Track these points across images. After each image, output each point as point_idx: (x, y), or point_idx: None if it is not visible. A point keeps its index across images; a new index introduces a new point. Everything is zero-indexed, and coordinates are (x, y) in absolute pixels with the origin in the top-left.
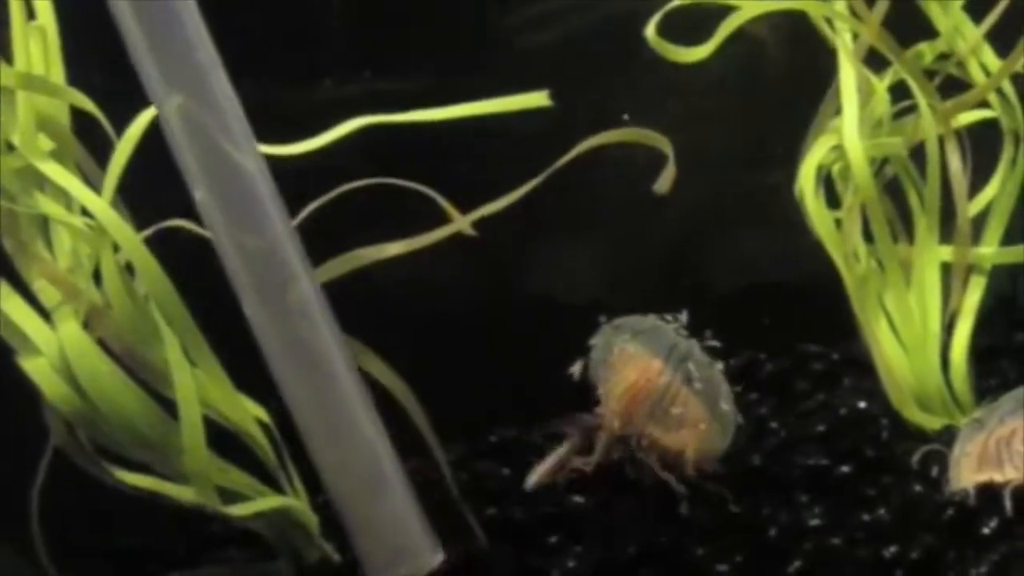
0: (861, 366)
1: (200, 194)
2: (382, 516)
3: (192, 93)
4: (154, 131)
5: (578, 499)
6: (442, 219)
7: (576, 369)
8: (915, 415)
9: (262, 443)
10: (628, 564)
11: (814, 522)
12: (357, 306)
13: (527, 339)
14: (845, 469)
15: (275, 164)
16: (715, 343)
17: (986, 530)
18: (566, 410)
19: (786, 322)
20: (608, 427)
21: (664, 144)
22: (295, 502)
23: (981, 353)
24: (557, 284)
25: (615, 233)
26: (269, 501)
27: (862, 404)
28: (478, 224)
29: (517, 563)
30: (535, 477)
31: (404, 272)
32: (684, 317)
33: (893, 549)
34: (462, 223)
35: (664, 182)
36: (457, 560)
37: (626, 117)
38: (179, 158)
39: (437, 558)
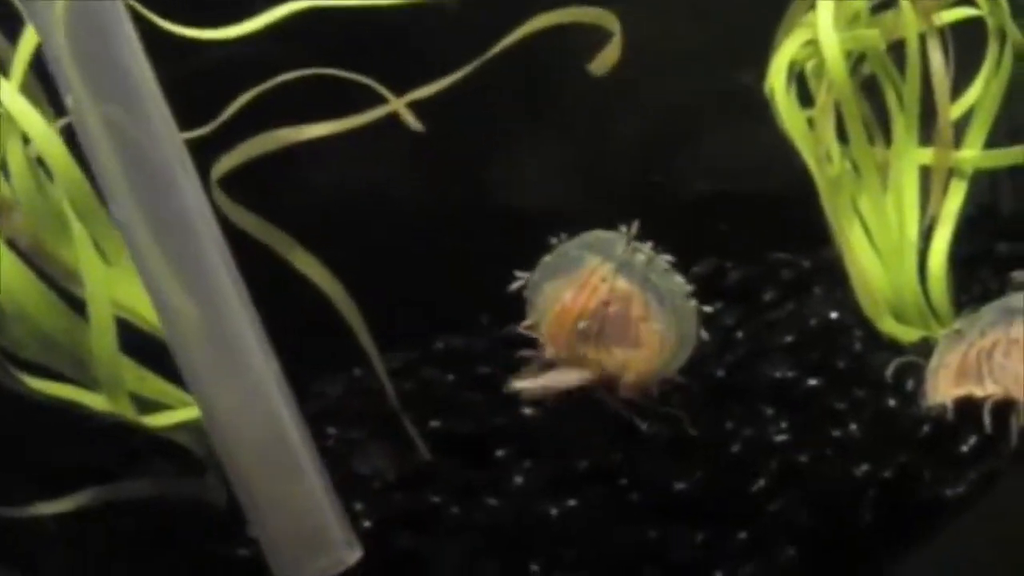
0: (833, 274)
1: (71, 99)
2: (290, 497)
3: None
4: None
5: (529, 412)
6: (390, 117)
7: (520, 283)
8: (890, 326)
9: None
10: (579, 480)
11: (780, 438)
12: (300, 211)
13: (479, 244)
14: (814, 382)
15: (207, 55)
16: (670, 256)
17: (964, 448)
18: (519, 316)
19: (754, 228)
20: (547, 352)
21: (612, 23)
22: None
23: (961, 262)
24: (513, 187)
25: (575, 134)
26: (193, 411)
27: (833, 314)
28: (430, 124)
29: (461, 478)
30: (521, 385)
31: (352, 175)
32: (635, 228)
33: (865, 468)
34: (396, 104)
35: (602, 62)
36: (398, 475)
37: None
38: (53, 58)
39: (355, 554)
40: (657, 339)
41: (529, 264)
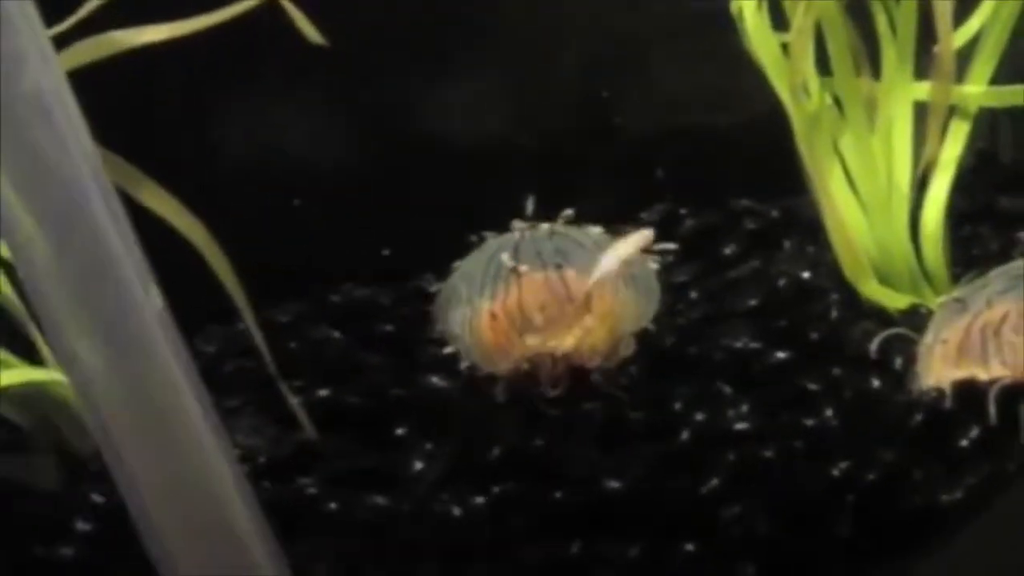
0: (806, 227)
1: None
2: (210, 530)
3: None
4: None
5: (437, 381)
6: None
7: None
8: (874, 290)
9: (14, 304)
10: (490, 472)
11: (740, 425)
12: (205, 154)
13: (403, 185)
14: (782, 355)
15: None
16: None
17: (964, 442)
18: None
19: (714, 169)
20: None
21: None
22: (58, 377)
23: (958, 217)
24: (448, 122)
25: (510, 60)
26: (18, 374)
27: (805, 274)
28: (353, 53)
29: (350, 460)
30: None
31: (264, 110)
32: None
33: (842, 466)
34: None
35: None
36: (272, 456)
37: None
38: None
39: None
40: (598, 302)
41: (458, 208)
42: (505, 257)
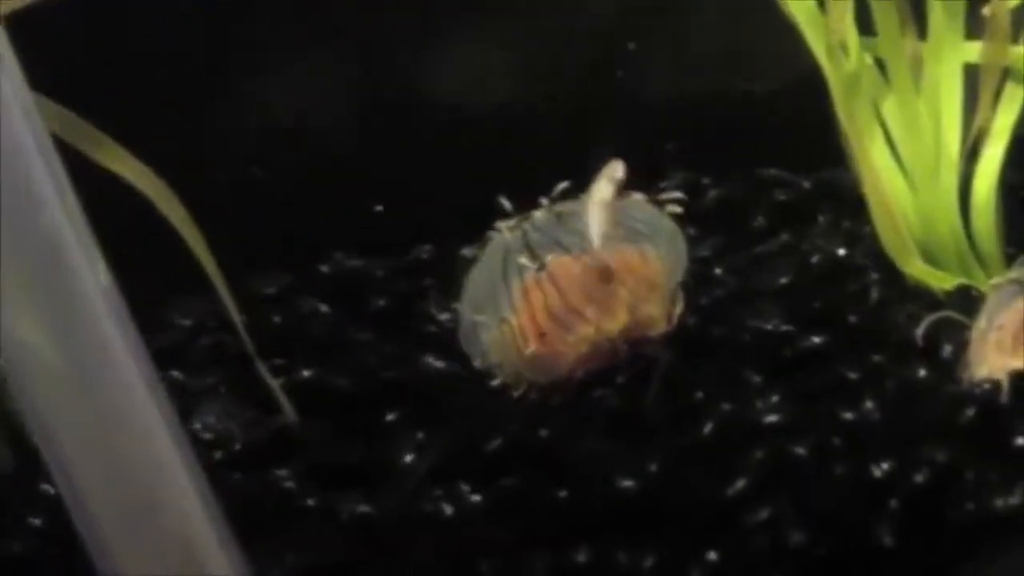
0: (841, 199)
1: None
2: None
3: None
4: None
5: (436, 363)
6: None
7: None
8: (918, 269)
9: None
10: (486, 466)
11: (770, 418)
12: (187, 119)
13: (407, 153)
14: (816, 340)
15: None
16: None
17: (1021, 440)
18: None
19: (742, 136)
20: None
21: None
22: None
23: (1011, 190)
24: (453, 85)
25: (523, 20)
26: None
27: (841, 250)
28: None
29: (330, 452)
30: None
31: (253, 73)
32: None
33: (886, 466)
34: None
35: None
36: (247, 443)
37: None
38: None
39: None
40: (633, 265)
41: (462, 176)
42: (523, 260)
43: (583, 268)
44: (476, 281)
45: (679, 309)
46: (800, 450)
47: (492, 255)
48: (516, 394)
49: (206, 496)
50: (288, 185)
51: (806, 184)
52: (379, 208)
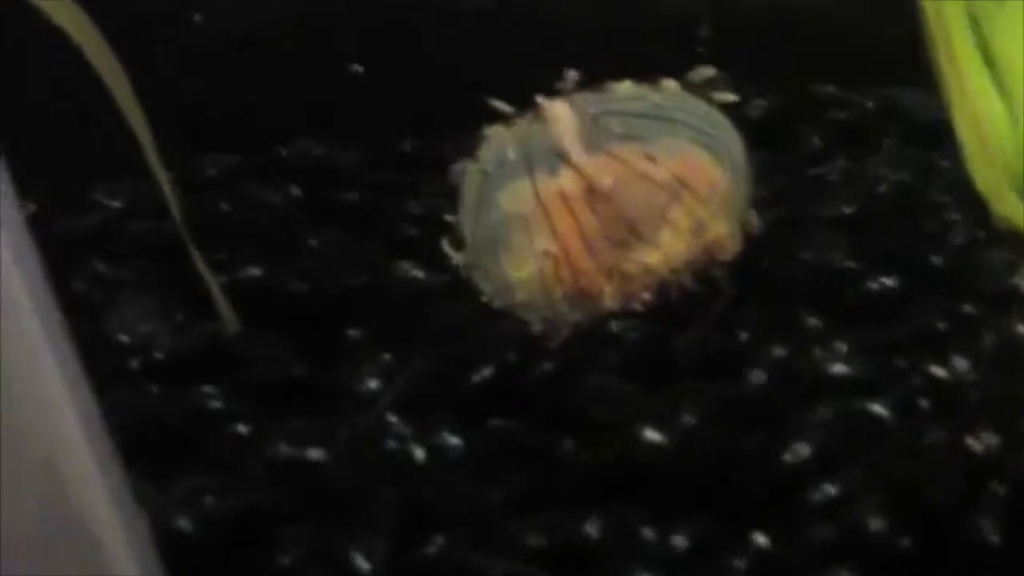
0: (912, 124)
1: None
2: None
3: None
4: None
5: (413, 271)
6: None
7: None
8: (1013, 207)
9: None
10: (469, 400)
11: (838, 369)
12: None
13: (376, 29)
14: (889, 283)
15: None
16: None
17: None
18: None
19: (799, 45)
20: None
21: None
22: None
23: None
24: None
25: None
26: None
27: (911, 181)
28: None
29: (275, 367)
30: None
31: None
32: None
33: (984, 437)
34: None
35: None
36: (175, 350)
37: None
38: None
39: None
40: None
41: (456, 66)
42: (574, 146)
43: (638, 176)
44: (481, 192)
45: (753, 226)
46: (876, 407)
47: (500, 159)
48: (554, 343)
49: (89, 415)
50: (250, 52)
51: (868, 104)
52: (357, 91)
